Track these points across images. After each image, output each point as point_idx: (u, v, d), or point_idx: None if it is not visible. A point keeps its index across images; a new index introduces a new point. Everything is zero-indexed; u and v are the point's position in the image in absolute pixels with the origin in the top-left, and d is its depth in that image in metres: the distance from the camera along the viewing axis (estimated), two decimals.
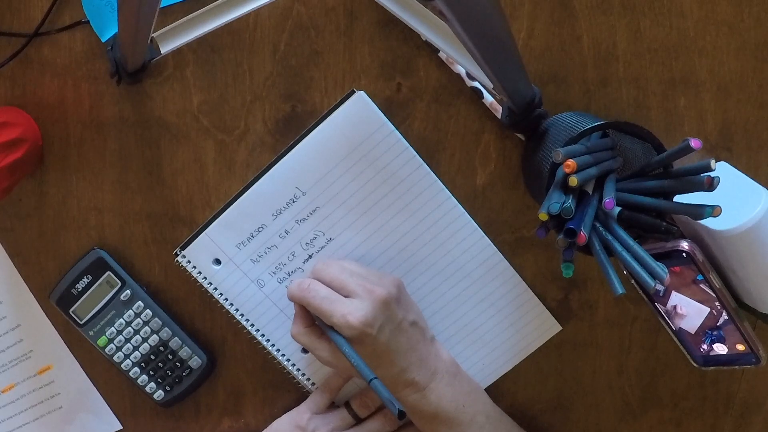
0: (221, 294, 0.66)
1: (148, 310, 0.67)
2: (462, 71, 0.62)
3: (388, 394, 0.55)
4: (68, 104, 0.65)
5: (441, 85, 0.63)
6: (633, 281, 0.63)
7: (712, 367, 0.64)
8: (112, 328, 0.67)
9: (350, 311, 0.58)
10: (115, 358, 0.68)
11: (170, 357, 0.68)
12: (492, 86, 0.59)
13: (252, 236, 0.65)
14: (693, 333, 0.62)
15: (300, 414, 0.66)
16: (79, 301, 0.67)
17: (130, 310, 0.67)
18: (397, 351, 0.60)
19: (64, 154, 0.66)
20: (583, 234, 0.50)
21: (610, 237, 0.53)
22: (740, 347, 0.61)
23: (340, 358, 0.60)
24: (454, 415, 0.62)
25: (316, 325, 0.62)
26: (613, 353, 0.68)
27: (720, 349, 0.62)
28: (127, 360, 0.68)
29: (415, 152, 0.63)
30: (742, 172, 0.60)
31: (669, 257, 0.58)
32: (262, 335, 0.67)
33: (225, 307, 0.67)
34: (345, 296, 0.59)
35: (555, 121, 0.59)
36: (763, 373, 0.67)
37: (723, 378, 0.68)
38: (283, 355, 0.68)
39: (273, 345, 0.68)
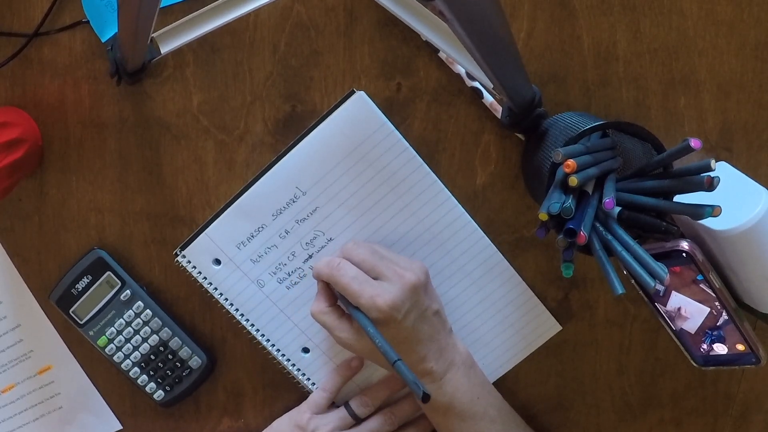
0: (221, 294, 0.66)
1: (148, 310, 0.67)
2: (462, 71, 0.62)
3: (412, 376, 0.54)
4: (68, 104, 0.65)
5: (441, 85, 0.63)
6: (633, 281, 0.63)
7: (712, 367, 0.64)
8: (112, 328, 0.67)
9: (379, 293, 0.57)
10: (115, 358, 0.68)
11: (170, 357, 0.68)
12: (492, 86, 0.59)
13: (252, 236, 0.65)
14: (693, 333, 0.62)
15: (300, 414, 0.66)
16: (79, 301, 0.67)
17: (130, 310, 0.67)
18: (419, 339, 0.60)
19: (64, 154, 0.66)
20: (583, 234, 0.50)
21: (610, 237, 0.53)
22: (740, 347, 0.61)
23: (360, 339, 0.60)
24: (468, 407, 0.62)
25: (338, 306, 0.62)
26: (613, 353, 0.68)
27: (720, 349, 0.62)
28: (127, 360, 0.68)
29: (415, 152, 0.63)
30: (742, 172, 0.60)
31: (669, 257, 0.58)
32: (262, 335, 0.67)
33: (225, 307, 0.67)
34: (374, 278, 0.59)
35: (555, 121, 0.59)
36: (763, 373, 0.67)
37: (723, 378, 0.68)
38: (283, 355, 0.68)
39: (273, 345, 0.68)
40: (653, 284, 0.50)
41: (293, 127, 0.65)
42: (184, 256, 0.66)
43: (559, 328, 0.68)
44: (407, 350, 0.60)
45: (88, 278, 0.66)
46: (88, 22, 0.63)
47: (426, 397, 0.53)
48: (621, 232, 0.53)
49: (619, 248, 0.52)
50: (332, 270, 0.60)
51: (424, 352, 0.60)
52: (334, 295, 0.62)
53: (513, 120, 0.59)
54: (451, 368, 0.62)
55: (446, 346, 0.62)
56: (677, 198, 0.55)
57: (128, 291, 0.67)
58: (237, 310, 0.67)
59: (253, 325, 0.67)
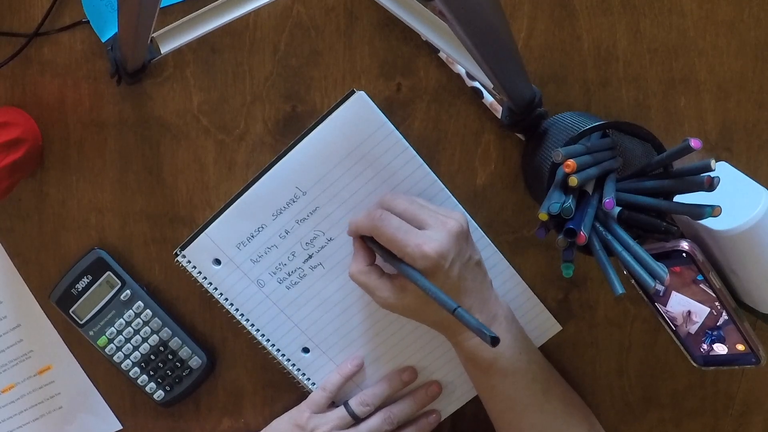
0: (221, 294, 0.66)
1: (148, 310, 0.67)
2: (462, 71, 0.62)
3: (476, 321, 0.52)
4: (68, 104, 0.65)
5: (441, 85, 0.63)
6: (633, 281, 0.63)
7: (712, 367, 0.64)
8: (112, 328, 0.67)
9: (425, 241, 0.56)
10: (115, 358, 0.68)
11: (170, 357, 0.68)
12: (492, 86, 0.59)
13: (252, 236, 0.65)
14: (693, 333, 0.62)
15: (299, 413, 0.66)
16: (79, 301, 0.67)
17: (130, 310, 0.67)
18: (464, 289, 0.58)
19: (64, 154, 0.66)
20: (583, 234, 0.50)
21: (610, 237, 0.53)
22: (740, 347, 0.61)
23: (404, 297, 0.58)
24: (511, 362, 0.60)
25: (376, 265, 0.60)
26: (613, 353, 0.68)
27: (720, 349, 0.62)
28: (127, 360, 0.68)
29: (415, 152, 0.63)
30: (742, 172, 0.60)
31: (669, 257, 0.58)
32: (262, 335, 0.67)
33: (225, 307, 0.67)
34: (416, 228, 0.57)
35: (555, 121, 0.59)
36: (763, 373, 0.67)
37: (723, 378, 0.68)
38: (283, 355, 0.68)
39: (273, 345, 0.68)
40: (653, 284, 0.50)
41: (293, 127, 0.65)
42: (184, 256, 0.66)
43: (559, 328, 0.68)
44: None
45: (88, 278, 0.66)
46: (88, 22, 0.63)
47: (495, 341, 0.50)
48: (621, 232, 0.53)
49: (619, 248, 0.52)
50: (374, 221, 0.58)
51: (469, 304, 0.58)
52: (371, 253, 0.60)
53: (513, 120, 0.59)
54: (495, 321, 0.60)
55: (489, 298, 0.60)
56: (677, 198, 0.55)
57: (128, 291, 0.67)
58: (237, 310, 0.67)
59: (253, 325, 0.67)
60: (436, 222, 0.57)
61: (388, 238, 0.57)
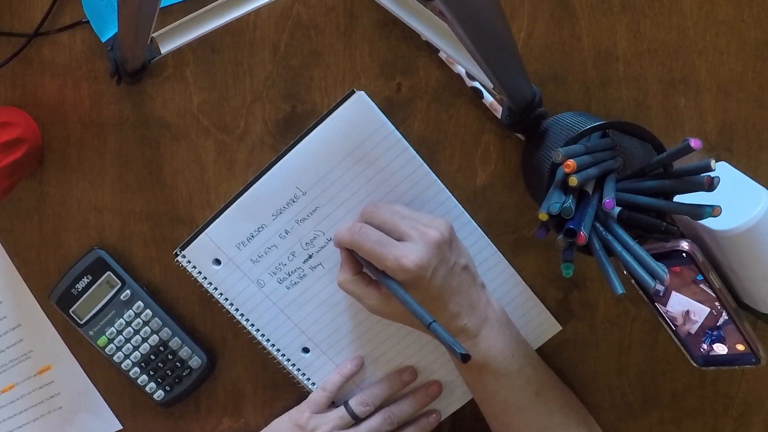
0: (221, 294, 0.66)
1: (148, 310, 0.67)
2: (462, 71, 0.62)
3: (449, 336, 0.52)
4: (68, 104, 0.65)
5: (441, 85, 0.63)
6: (633, 281, 0.63)
7: (712, 367, 0.64)
8: (112, 328, 0.67)
9: (404, 254, 0.56)
10: (115, 358, 0.68)
11: (170, 357, 0.68)
12: (492, 86, 0.59)
13: (252, 236, 0.65)
14: (693, 333, 0.62)
15: (300, 413, 0.66)
16: (79, 301, 0.67)
17: (130, 310, 0.67)
18: (450, 296, 0.58)
19: (64, 154, 0.66)
20: (583, 234, 0.50)
21: (610, 237, 0.53)
22: (740, 347, 0.61)
23: (390, 304, 0.59)
24: (503, 365, 0.60)
25: (364, 273, 0.61)
26: (613, 353, 0.68)
27: (720, 349, 0.62)
28: (127, 360, 0.68)
29: (415, 152, 0.63)
30: (742, 172, 0.60)
31: (669, 257, 0.58)
32: (262, 335, 0.67)
33: (225, 307, 0.67)
34: (397, 239, 0.58)
35: (555, 121, 0.59)
36: (763, 373, 0.67)
37: (723, 378, 0.68)
38: (283, 355, 0.68)
39: (273, 345, 0.68)
40: (653, 284, 0.50)
41: (293, 127, 0.65)
42: (184, 256, 0.66)
43: (559, 328, 0.68)
44: (439, 308, 0.58)
45: (88, 278, 0.66)
46: (88, 22, 0.63)
47: (465, 358, 0.51)
48: (621, 232, 0.53)
49: (619, 248, 0.52)
50: (354, 235, 0.58)
51: (456, 309, 0.59)
52: (358, 262, 0.61)
53: (513, 120, 0.59)
54: (486, 325, 0.60)
55: (478, 302, 0.60)
56: (677, 198, 0.55)
57: (128, 291, 0.67)
58: (237, 310, 0.67)
59: (253, 325, 0.67)
60: (416, 232, 0.57)
61: (367, 252, 0.58)
